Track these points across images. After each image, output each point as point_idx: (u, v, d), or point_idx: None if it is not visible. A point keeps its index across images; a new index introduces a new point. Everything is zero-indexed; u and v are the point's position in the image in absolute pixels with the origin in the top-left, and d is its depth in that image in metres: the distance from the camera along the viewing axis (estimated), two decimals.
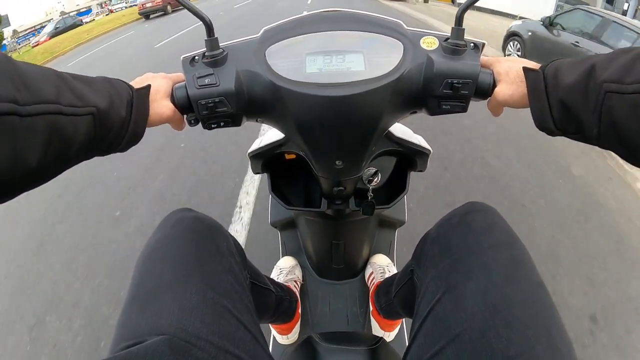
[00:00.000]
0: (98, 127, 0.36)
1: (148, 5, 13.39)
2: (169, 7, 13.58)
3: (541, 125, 0.41)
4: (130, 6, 23.76)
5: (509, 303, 0.37)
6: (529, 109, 0.42)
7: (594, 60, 0.36)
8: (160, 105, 0.46)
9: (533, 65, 0.44)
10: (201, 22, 0.45)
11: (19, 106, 0.28)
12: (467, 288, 0.41)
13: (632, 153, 0.33)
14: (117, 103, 0.39)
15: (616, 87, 0.32)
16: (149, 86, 0.45)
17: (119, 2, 28.30)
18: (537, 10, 8.55)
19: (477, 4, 0.46)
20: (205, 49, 0.47)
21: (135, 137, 0.43)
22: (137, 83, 0.45)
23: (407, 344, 0.47)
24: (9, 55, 0.32)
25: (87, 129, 0.35)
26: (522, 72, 0.43)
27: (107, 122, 0.38)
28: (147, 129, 0.44)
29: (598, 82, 0.33)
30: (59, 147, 0.33)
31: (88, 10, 27.41)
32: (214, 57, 0.46)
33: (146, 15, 13.68)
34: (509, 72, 0.45)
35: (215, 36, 0.47)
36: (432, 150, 0.69)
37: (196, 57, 0.48)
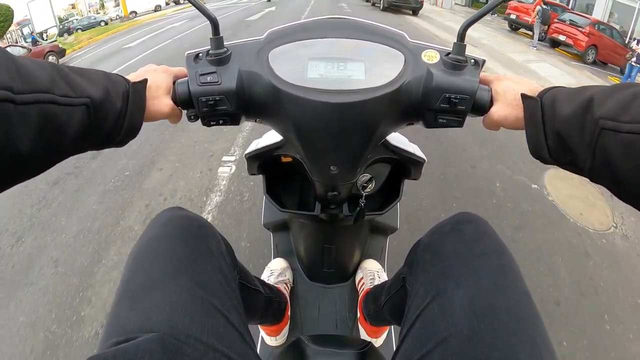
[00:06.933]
0: (92, 118, 0.36)
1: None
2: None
3: (536, 153, 0.41)
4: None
5: (495, 310, 0.38)
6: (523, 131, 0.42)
7: (592, 92, 0.35)
8: (161, 102, 0.46)
9: (531, 89, 0.44)
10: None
11: (14, 94, 0.28)
12: (455, 294, 0.42)
13: (623, 191, 0.33)
14: (113, 95, 0.39)
15: (612, 125, 0.32)
16: (145, 80, 0.45)
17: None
18: None
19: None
20: (210, 46, 0.48)
21: (132, 131, 0.43)
22: (137, 76, 0.45)
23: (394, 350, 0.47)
24: None
25: (81, 119, 0.35)
26: (520, 96, 0.43)
27: (102, 113, 0.38)
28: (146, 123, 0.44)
29: (594, 117, 0.33)
30: (52, 136, 0.33)
31: None
32: (218, 56, 0.47)
33: None
34: (507, 93, 0.45)
35: (221, 35, 0.47)
36: (426, 160, 0.70)
37: (200, 54, 0.48)
